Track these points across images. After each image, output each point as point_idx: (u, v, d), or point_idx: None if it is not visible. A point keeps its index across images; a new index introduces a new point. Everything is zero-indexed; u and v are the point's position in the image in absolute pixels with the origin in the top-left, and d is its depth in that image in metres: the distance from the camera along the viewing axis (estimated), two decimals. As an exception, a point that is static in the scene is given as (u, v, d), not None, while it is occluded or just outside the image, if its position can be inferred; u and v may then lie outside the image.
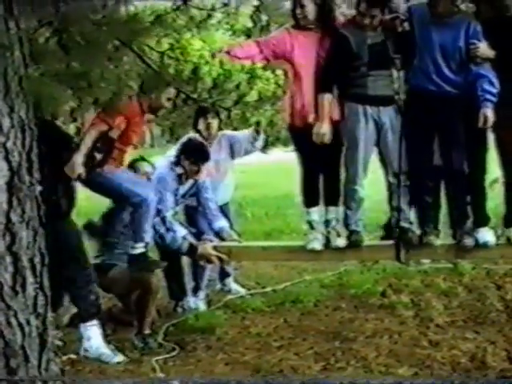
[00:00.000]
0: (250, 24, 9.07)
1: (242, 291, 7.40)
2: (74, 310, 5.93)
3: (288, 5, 6.12)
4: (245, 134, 7.30)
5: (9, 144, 4.28)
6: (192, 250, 6.14)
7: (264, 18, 8.97)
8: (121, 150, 5.85)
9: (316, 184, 5.75)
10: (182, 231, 6.22)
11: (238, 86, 9.09)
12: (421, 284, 7.35)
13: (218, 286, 7.44)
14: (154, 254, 6.30)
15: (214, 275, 7.35)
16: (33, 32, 5.01)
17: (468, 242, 5.58)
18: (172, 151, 6.81)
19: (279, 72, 8.85)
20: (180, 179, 6.52)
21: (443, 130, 5.46)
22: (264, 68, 8.87)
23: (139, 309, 5.96)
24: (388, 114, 5.54)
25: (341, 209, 5.72)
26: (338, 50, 5.50)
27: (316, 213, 5.76)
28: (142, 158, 6.57)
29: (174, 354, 5.75)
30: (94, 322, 5.68)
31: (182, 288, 6.82)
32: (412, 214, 5.66)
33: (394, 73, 5.52)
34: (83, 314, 5.70)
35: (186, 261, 6.78)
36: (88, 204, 7.66)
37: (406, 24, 5.48)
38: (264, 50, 5.70)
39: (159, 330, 6.21)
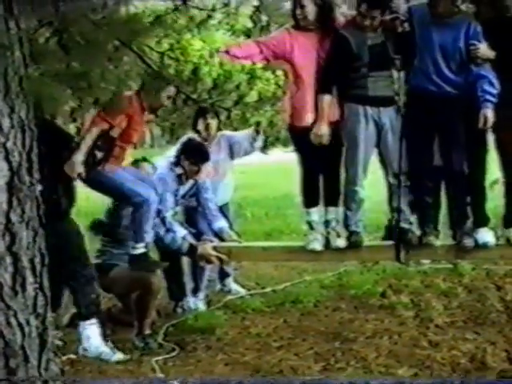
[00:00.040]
0: (250, 24, 9.07)
1: (242, 291, 7.40)
2: (74, 310, 5.93)
3: (288, 5, 6.12)
4: (244, 134, 7.30)
5: (9, 144, 4.28)
6: (192, 251, 6.14)
7: (264, 18, 8.97)
8: (121, 148, 5.85)
9: (316, 184, 5.75)
10: (181, 231, 6.22)
11: (238, 87, 9.10)
12: (421, 284, 7.35)
13: (218, 287, 7.44)
14: (153, 255, 6.30)
15: (213, 275, 7.34)
16: (33, 32, 5.01)
17: (468, 242, 5.58)
18: (171, 152, 6.81)
19: (279, 73, 8.85)
20: (180, 179, 6.52)
21: (443, 130, 5.46)
22: (264, 68, 8.87)
23: (139, 309, 5.95)
24: (388, 115, 5.54)
25: (341, 209, 5.72)
26: (339, 51, 5.49)
27: (316, 213, 5.76)
28: (144, 159, 6.57)
29: (173, 354, 5.75)
30: (93, 320, 5.68)
31: (181, 288, 6.82)
32: (412, 215, 5.66)
33: (395, 73, 5.52)
34: (83, 313, 5.70)
35: (185, 261, 6.78)
36: (88, 204, 7.67)
37: (406, 24, 5.48)
38: (264, 50, 5.69)
39: (159, 330, 6.21)
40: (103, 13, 5.30)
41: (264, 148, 8.65)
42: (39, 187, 4.52)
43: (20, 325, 4.34)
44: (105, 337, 5.78)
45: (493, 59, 5.36)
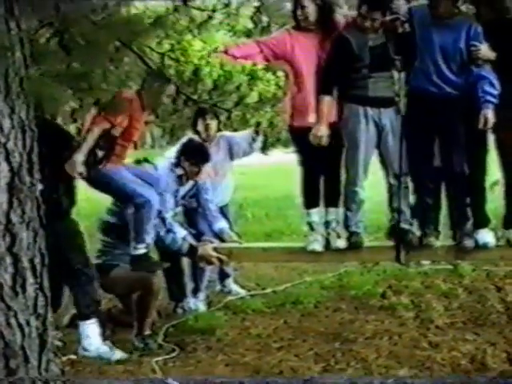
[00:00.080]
0: (250, 25, 9.07)
1: (242, 292, 7.40)
2: (74, 310, 5.93)
3: (289, 6, 6.12)
4: (243, 135, 7.29)
5: (9, 145, 4.29)
6: (192, 251, 6.15)
7: (265, 19, 8.97)
8: (123, 147, 5.86)
9: (316, 185, 5.75)
10: (181, 232, 6.22)
11: (238, 88, 9.10)
12: (421, 285, 7.35)
13: (218, 287, 7.43)
14: (154, 255, 6.30)
15: (213, 276, 7.34)
16: (34, 32, 5.02)
17: (468, 243, 5.58)
18: (171, 152, 6.81)
19: (280, 73, 8.86)
20: (180, 180, 6.51)
21: (444, 131, 5.46)
22: (265, 69, 8.88)
23: (140, 309, 5.95)
24: (389, 116, 5.55)
25: (341, 210, 5.72)
26: (340, 53, 5.49)
27: (316, 214, 5.76)
28: (146, 160, 6.57)
29: (173, 354, 5.74)
30: (93, 320, 5.68)
31: (182, 289, 6.82)
32: (412, 216, 5.66)
33: (395, 74, 5.52)
34: (82, 313, 5.70)
35: (185, 262, 6.78)
36: (88, 205, 7.67)
37: (406, 25, 5.48)
38: (264, 50, 5.70)
39: (159, 330, 6.20)
40: (104, 13, 5.31)
41: (264, 149, 8.66)
42: (40, 186, 4.53)
43: (20, 325, 4.35)
44: (104, 337, 5.78)
45: (493, 60, 5.36)
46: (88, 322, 5.67)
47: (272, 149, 9.60)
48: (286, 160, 9.37)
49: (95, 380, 5.21)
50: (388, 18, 5.48)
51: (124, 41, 5.32)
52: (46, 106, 4.74)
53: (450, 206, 5.68)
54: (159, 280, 6.23)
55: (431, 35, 5.39)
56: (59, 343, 5.49)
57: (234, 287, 7.44)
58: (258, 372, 5.31)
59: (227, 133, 7.44)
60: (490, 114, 5.27)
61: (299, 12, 5.61)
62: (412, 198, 5.65)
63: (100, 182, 5.84)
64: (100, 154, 5.72)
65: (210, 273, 7.08)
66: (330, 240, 5.72)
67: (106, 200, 6.31)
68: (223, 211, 7.00)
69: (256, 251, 6.39)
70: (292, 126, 5.80)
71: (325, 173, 5.73)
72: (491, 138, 5.56)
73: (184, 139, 7.05)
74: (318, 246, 5.71)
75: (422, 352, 5.56)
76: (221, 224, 6.62)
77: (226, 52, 5.85)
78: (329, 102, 5.52)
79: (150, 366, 5.49)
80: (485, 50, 5.34)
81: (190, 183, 6.63)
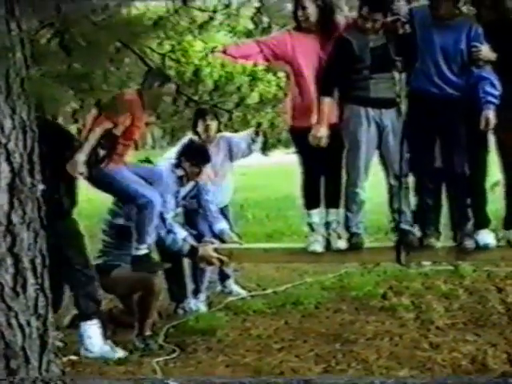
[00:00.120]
0: (251, 26, 9.06)
1: (243, 293, 7.40)
2: (75, 311, 5.93)
3: (289, 7, 6.13)
4: (243, 136, 7.29)
5: (10, 145, 4.29)
6: (193, 252, 6.15)
7: (265, 19, 8.96)
8: (124, 146, 5.87)
9: (317, 186, 5.76)
10: (182, 233, 6.23)
11: (239, 88, 9.08)
12: (421, 286, 7.34)
13: (219, 288, 7.43)
14: (154, 256, 6.30)
15: (214, 277, 7.34)
16: (34, 33, 5.02)
17: (468, 244, 5.59)
18: (171, 153, 6.82)
19: (281, 74, 8.85)
20: (181, 181, 6.52)
21: (444, 132, 5.46)
22: (266, 70, 8.86)
23: (141, 310, 5.95)
24: (390, 117, 5.55)
25: (341, 211, 5.72)
26: (341, 54, 5.50)
27: (317, 215, 5.76)
28: (147, 160, 6.58)
29: (174, 355, 5.74)
30: (94, 321, 5.69)
31: (182, 290, 6.82)
32: (412, 217, 5.66)
33: (396, 75, 5.52)
34: (83, 313, 5.71)
35: (186, 263, 6.78)
36: (89, 205, 7.68)
37: (407, 26, 5.48)
38: (264, 49, 5.70)
39: (160, 331, 6.20)
40: (104, 14, 5.31)
41: (264, 150, 8.65)
42: (41, 186, 4.53)
43: (21, 326, 4.35)
44: (106, 337, 5.78)
45: (494, 61, 5.36)
46: (89, 322, 5.68)
47: (273, 149, 9.58)
48: (286, 161, 9.38)
49: (96, 380, 5.21)
50: (389, 19, 5.49)
51: (124, 41, 5.32)
52: (46, 106, 4.75)
53: (451, 206, 5.69)
54: (160, 280, 6.23)
55: (432, 36, 5.39)
56: (60, 344, 5.49)
57: (235, 288, 7.44)
58: (258, 373, 5.30)
59: (227, 134, 7.44)
60: (491, 114, 5.27)
61: (300, 13, 5.61)
62: (413, 199, 5.66)
63: (102, 181, 5.85)
64: (102, 153, 5.73)
65: (210, 273, 7.08)
66: (331, 241, 5.72)
67: (107, 200, 6.31)
68: (223, 212, 7.00)
69: (257, 252, 6.40)
70: (293, 126, 5.81)
71: (325, 174, 5.73)
72: (492, 139, 5.56)
73: (184, 140, 7.06)
74: (318, 247, 5.72)
75: (422, 353, 5.56)
76: (221, 225, 6.63)
77: (224, 52, 5.85)
78: (329, 103, 5.53)
79: (150, 366, 5.49)
80: (486, 51, 5.34)
81: (191, 184, 6.64)
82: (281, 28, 6.58)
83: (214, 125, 7.07)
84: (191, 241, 6.23)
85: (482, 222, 5.64)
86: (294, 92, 5.74)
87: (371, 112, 5.51)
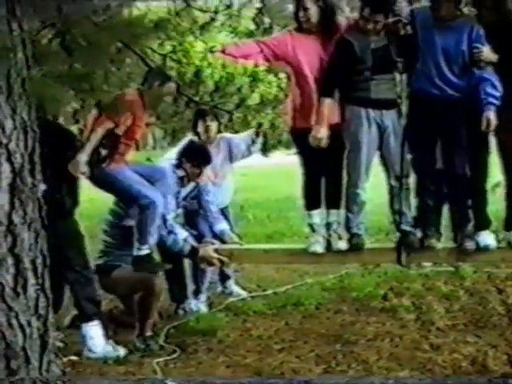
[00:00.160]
0: (252, 26, 9.07)
1: (244, 294, 7.40)
2: (75, 311, 5.93)
3: (291, 8, 6.13)
4: (243, 137, 7.29)
5: (11, 145, 4.29)
6: (193, 253, 6.15)
7: (267, 20, 8.97)
8: (126, 145, 5.87)
9: (317, 187, 5.76)
10: (182, 233, 6.22)
11: (239, 89, 9.09)
12: (422, 287, 7.34)
13: (219, 289, 7.43)
14: (155, 256, 6.30)
15: (214, 278, 7.34)
16: (35, 33, 5.03)
17: (469, 245, 5.58)
18: (171, 154, 6.82)
19: (282, 75, 8.86)
20: (181, 182, 6.52)
21: (445, 133, 5.46)
22: (267, 71, 8.87)
23: (142, 310, 5.95)
24: (391, 118, 5.55)
25: (342, 212, 5.72)
26: (342, 55, 5.49)
27: (317, 216, 5.76)
28: (149, 160, 6.59)
29: (174, 356, 5.74)
30: (95, 322, 5.69)
31: (183, 290, 6.82)
32: (413, 218, 5.67)
33: (397, 76, 5.52)
34: (84, 315, 5.71)
35: (187, 263, 6.78)
36: (91, 205, 7.67)
37: (408, 27, 5.48)
38: (264, 49, 5.69)
39: (160, 332, 6.20)
40: (105, 15, 5.31)
41: (264, 151, 8.66)
42: (43, 187, 4.53)
43: (21, 326, 4.36)
44: (107, 337, 5.79)
45: (495, 62, 5.36)
46: (90, 323, 5.69)
47: (273, 150, 9.60)
48: (287, 161, 9.38)
49: (96, 381, 5.21)
50: (390, 20, 5.48)
51: (125, 42, 5.33)
52: (47, 106, 4.75)
53: (452, 207, 5.69)
54: (161, 281, 6.23)
55: (433, 37, 5.38)
56: (60, 344, 5.49)
57: (235, 289, 7.44)
58: (259, 373, 5.30)
59: (227, 134, 7.44)
60: (492, 115, 5.27)
61: (301, 14, 5.61)
62: (413, 200, 5.66)
63: (104, 181, 5.85)
64: (104, 152, 5.73)
65: (211, 274, 7.08)
66: (331, 242, 5.72)
67: (108, 200, 6.31)
68: (224, 213, 7.00)
69: (257, 253, 6.39)
70: (293, 127, 5.81)
71: (326, 174, 5.73)
72: (493, 140, 5.56)
73: (184, 141, 7.06)
74: (319, 248, 5.71)
75: (423, 354, 5.56)
76: (221, 225, 6.63)
77: (223, 51, 5.85)
78: (329, 105, 5.53)
79: (150, 366, 5.48)
80: (487, 52, 5.34)
81: (192, 185, 6.64)
82: (282, 29, 6.59)
83: (214, 126, 7.07)
84: (192, 241, 6.23)
85: (483, 224, 5.64)
86: (295, 93, 5.74)
87: (372, 113, 5.51)
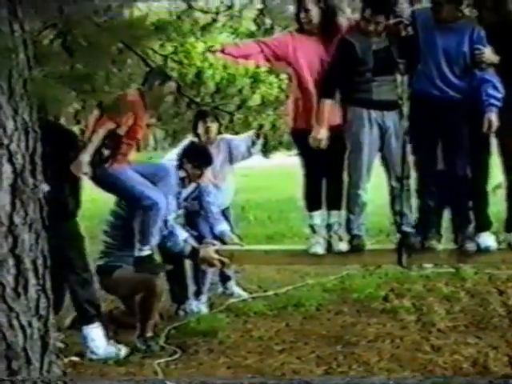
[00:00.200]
0: (253, 27, 9.08)
1: (244, 295, 7.39)
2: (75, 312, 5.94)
3: (292, 9, 6.13)
4: (243, 138, 7.29)
5: (12, 146, 4.29)
6: (194, 254, 6.15)
7: (268, 21, 8.98)
8: (128, 145, 5.88)
9: (318, 188, 5.76)
10: (183, 234, 6.23)
11: (240, 91, 9.09)
12: (423, 289, 7.34)
13: (220, 290, 7.43)
14: (156, 257, 6.30)
15: (215, 279, 7.34)
16: (37, 34, 5.03)
17: (470, 246, 5.58)
18: (171, 155, 6.82)
19: (283, 76, 8.86)
20: (182, 182, 6.52)
21: (446, 134, 5.46)
22: (268, 72, 8.87)
23: (143, 311, 5.95)
24: (392, 119, 5.55)
25: (343, 213, 5.72)
26: (344, 57, 5.50)
27: (318, 217, 5.76)
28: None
29: (175, 357, 5.74)
30: (96, 324, 5.70)
31: (184, 291, 6.82)
32: (414, 219, 5.67)
33: (398, 77, 5.52)
34: (84, 317, 5.71)
35: (187, 264, 6.78)
36: (92, 206, 7.67)
37: (409, 29, 5.48)
38: (264, 50, 5.69)
39: (161, 332, 6.20)
40: (107, 15, 5.32)
41: (265, 152, 8.66)
42: (46, 188, 4.53)
43: (22, 327, 4.35)
44: (108, 337, 5.79)
45: (496, 64, 5.36)
46: (91, 326, 5.69)
47: (274, 152, 9.60)
48: (288, 163, 9.39)
49: (97, 382, 5.21)
50: (391, 21, 5.49)
51: (127, 43, 5.33)
52: (49, 107, 4.75)
53: (453, 209, 5.69)
54: (162, 282, 6.23)
55: (434, 38, 5.39)
56: (61, 345, 5.49)
57: (236, 289, 7.44)
58: (259, 374, 5.30)
59: (227, 136, 7.44)
60: (493, 117, 5.27)
61: (302, 15, 5.61)
62: (414, 201, 5.66)
63: (106, 181, 5.86)
64: (106, 153, 5.73)
65: (211, 275, 7.08)
66: (332, 243, 5.72)
67: (109, 201, 6.31)
68: (224, 214, 7.00)
69: (258, 254, 6.39)
70: (294, 128, 5.81)
71: (327, 175, 5.73)
72: (494, 142, 5.56)
73: (185, 142, 7.06)
74: (319, 249, 5.71)
75: (423, 355, 5.56)
76: (222, 226, 6.63)
77: (223, 51, 5.86)
78: (330, 106, 5.53)
79: (151, 367, 5.49)
80: (488, 54, 5.34)
81: (192, 185, 6.64)
82: (283, 30, 6.59)
83: (214, 127, 7.07)
84: (192, 242, 6.23)
85: (484, 225, 5.64)
86: (296, 94, 5.74)
87: (373, 114, 5.51)
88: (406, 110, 5.53)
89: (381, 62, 5.46)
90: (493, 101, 5.28)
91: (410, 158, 5.57)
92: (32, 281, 4.39)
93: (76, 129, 7.38)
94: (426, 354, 5.58)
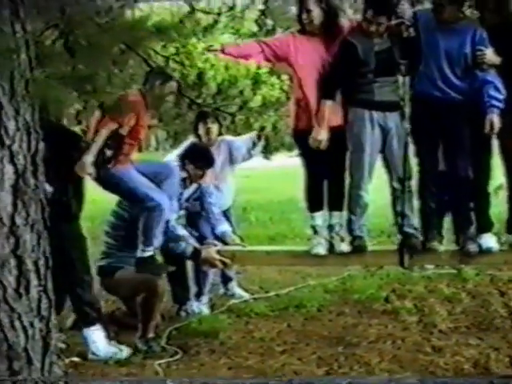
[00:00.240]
0: (255, 28, 9.08)
1: (246, 295, 7.39)
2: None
3: (294, 9, 6.13)
4: (244, 139, 7.29)
5: (14, 147, 4.29)
6: (195, 254, 6.15)
7: (269, 22, 8.98)
8: (130, 145, 5.88)
9: (320, 189, 5.76)
10: (184, 235, 6.22)
11: (242, 92, 9.10)
12: (424, 290, 7.33)
13: (222, 291, 7.43)
14: (157, 258, 6.30)
15: (217, 279, 7.34)
16: (39, 35, 5.03)
17: (471, 247, 5.58)
18: (172, 155, 6.83)
19: (284, 77, 8.87)
20: (184, 183, 6.52)
21: (448, 135, 5.46)
22: (269, 73, 8.88)
23: (144, 312, 5.94)
24: (394, 120, 5.55)
25: (345, 214, 5.72)
26: (345, 58, 5.50)
27: (320, 218, 5.76)
28: None
29: (176, 357, 5.74)
30: (97, 326, 5.70)
31: (185, 292, 6.82)
32: (416, 220, 5.66)
33: (400, 78, 5.53)
34: (85, 319, 5.71)
35: (189, 265, 6.78)
36: (94, 207, 7.67)
37: (411, 30, 5.48)
38: (265, 49, 5.70)
39: (162, 333, 6.19)
40: (108, 16, 5.32)
41: (266, 153, 8.66)
42: (50, 189, 4.53)
43: (24, 327, 4.35)
44: (109, 338, 5.80)
45: (498, 65, 5.36)
46: (92, 328, 5.69)
47: (276, 153, 9.61)
48: (289, 163, 9.39)
49: (98, 382, 5.20)
50: (393, 22, 5.49)
51: (128, 44, 5.32)
52: (50, 108, 4.75)
53: (454, 210, 5.68)
54: (164, 282, 6.23)
55: (436, 40, 5.39)
56: (62, 345, 5.49)
57: (238, 290, 7.44)
58: (261, 375, 5.29)
59: (228, 137, 7.44)
60: (495, 118, 5.28)
61: (304, 16, 5.61)
62: (416, 203, 5.66)
63: (109, 182, 5.86)
64: (109, 153, 5.73)
65: (213, 276, 7.08)
66: (334, 244, 5.72)
67: (111, 201, 6.31)
68: (226, 215, 7.00)
69: (259, 254, 6.39)
70: (296, 129, 5.81)
71: (329, 176, 5.73)
72: (495, 143, 5.56)
73: (187, 143, 7.07)
74: (321, 250, 5.71)
75: (425, 356, 5.56)
76: (223, 227, 6.63)
77: (222, 51, 5.86)
78: (330, 107, 5.53)
79: (152, 368, 5.49)
80: (490, 55, 5.34)
81: (194, 186, 6.64)
82: (285, 31, 6.59)
83: (215, 128, 7.07)
84: (193, 243, 6.23)
85: (485, 226, 5.64)
86: (298, 95, 5.74)
87: (375, 115, 5.52)
88: (407, 111, 5.53)
89: (383, 63, 5.47)
90: (494, 102, 5.29)
91: (412, 160, 5.57)
92: (34, 281, 4.39)
93: (77, 129, 7.39)
94: (427, 355, 5.58)
